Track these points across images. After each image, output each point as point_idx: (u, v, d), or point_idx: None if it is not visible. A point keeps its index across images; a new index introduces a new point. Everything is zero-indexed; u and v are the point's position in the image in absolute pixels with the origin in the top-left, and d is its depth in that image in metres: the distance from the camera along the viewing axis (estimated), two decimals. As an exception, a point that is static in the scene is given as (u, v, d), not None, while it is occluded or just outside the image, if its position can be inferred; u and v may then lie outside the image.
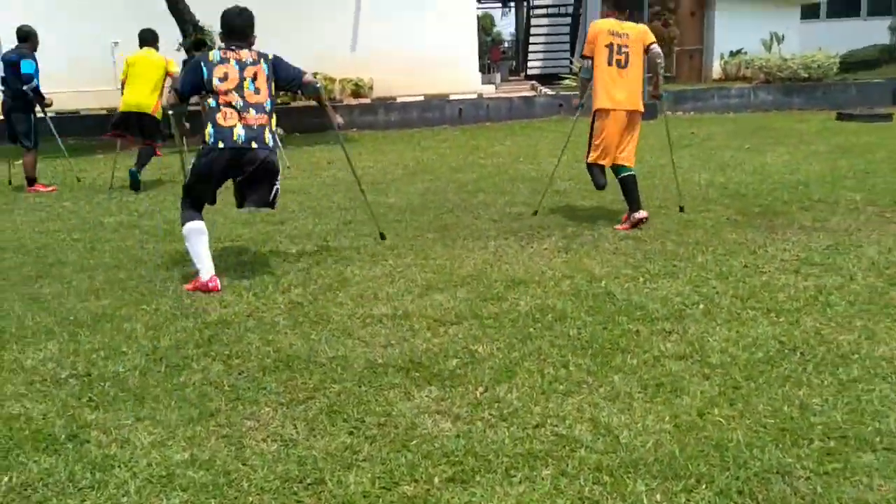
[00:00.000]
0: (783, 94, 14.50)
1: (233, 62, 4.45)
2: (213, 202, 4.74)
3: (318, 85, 4.98)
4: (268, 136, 4.49)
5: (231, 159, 4.42)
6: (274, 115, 4.60)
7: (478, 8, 21.65)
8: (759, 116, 13.68)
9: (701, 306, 3.88)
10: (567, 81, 15.80)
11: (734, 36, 16.05)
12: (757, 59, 15.23)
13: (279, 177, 4.63)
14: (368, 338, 3.62)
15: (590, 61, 5.60)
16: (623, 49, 5.48)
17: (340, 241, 5.54)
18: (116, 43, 13.99)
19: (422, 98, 14.04)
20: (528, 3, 21.00)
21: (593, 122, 5.66)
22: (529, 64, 20.64)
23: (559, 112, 14.14)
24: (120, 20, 13.77)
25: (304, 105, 14.06)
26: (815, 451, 2.48)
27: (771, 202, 6.30)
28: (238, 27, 4.56)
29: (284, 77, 4.64)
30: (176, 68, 8.27)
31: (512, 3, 26.80)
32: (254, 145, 4.42)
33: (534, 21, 20.55)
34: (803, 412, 2.74)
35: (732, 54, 16.01)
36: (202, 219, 4.59)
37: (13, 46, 8.41)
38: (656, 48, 5.52)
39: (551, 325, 3.71)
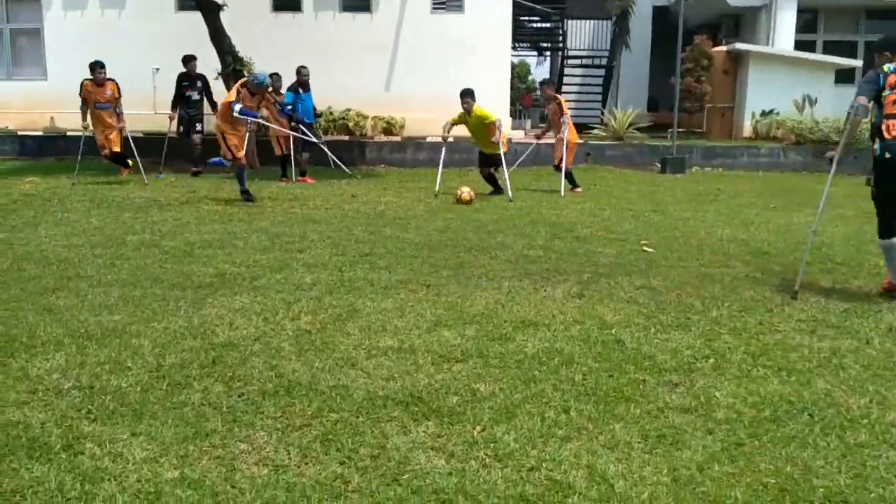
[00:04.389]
0: (814, 156, 14.40)
1: None
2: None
3: None
4: None
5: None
6: None
7: (514, 55, 21.89)
8: (788, 176, 13.58)
9: (711, 361, 3.82)
10: (596, 131, 15.88)
11: (766, 96, 16.02)
12: (788, 120, 15.18)
13: None
14: (371, 369, 3.61)
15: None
16: None
17: (355, 272, 5.56)
18: (157, 69, 14.39)
19: (451, 139, 14.18)
20: (563, 52, 21.20)
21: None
22: (560, 112, 20.76)
23: (586, 160, 14.19)
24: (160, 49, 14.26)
25: (331, 139, 14.28)
26: (815, 515, 2.41)
27: (792, 262, 6.22)
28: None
29: None
30: None
31: (548, 53, 27.10)
32: None
33: (567, 70, 20.73)
34: (806, 474, 2.67)
35: (764, 114, 15.98)
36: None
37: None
38: None
39: (557, 368, 3.67)
